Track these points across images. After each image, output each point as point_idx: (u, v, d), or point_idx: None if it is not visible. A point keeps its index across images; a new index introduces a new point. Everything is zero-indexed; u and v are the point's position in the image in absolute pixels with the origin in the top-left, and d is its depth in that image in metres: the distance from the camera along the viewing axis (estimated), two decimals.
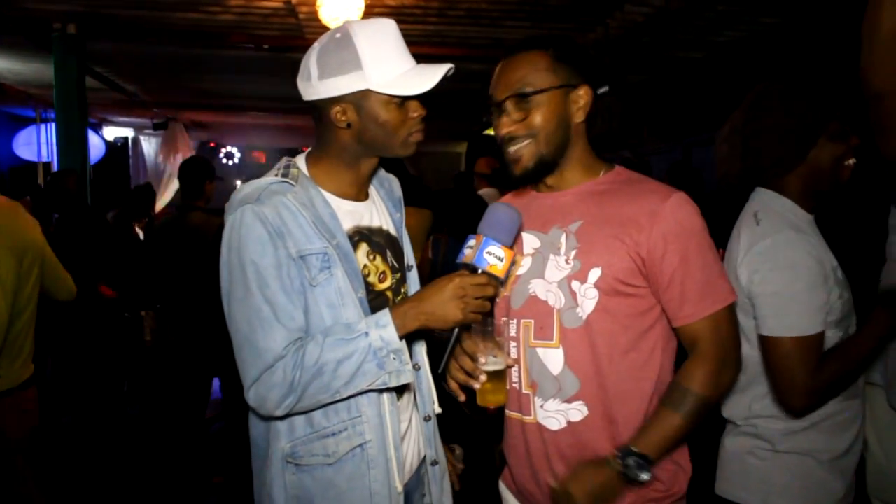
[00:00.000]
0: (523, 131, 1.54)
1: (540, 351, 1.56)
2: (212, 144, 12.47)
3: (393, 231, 1.72)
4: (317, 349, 1.44)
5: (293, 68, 1.58)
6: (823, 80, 1.80)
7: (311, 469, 1.54)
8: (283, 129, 11.26)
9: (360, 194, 1.66)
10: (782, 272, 1.69)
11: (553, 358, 1.54)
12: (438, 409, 1.75)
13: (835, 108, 1.76)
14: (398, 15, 4.76)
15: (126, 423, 5.07)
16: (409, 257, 1.76)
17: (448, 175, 10.80)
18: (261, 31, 5.46)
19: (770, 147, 1.79)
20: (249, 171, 12.85)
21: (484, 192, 4.76)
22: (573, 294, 1.51)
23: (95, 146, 8.21)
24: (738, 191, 1.92)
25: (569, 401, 1.53)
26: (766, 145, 1.79)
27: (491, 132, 1.64)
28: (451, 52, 5.58)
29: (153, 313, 5.53)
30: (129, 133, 10.26)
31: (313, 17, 4.68)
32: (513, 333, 1.61)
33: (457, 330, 1.51)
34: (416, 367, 1.69)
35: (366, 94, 1.50)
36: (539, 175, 1.59)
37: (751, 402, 1.80)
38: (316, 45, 1.55)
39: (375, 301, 1.58)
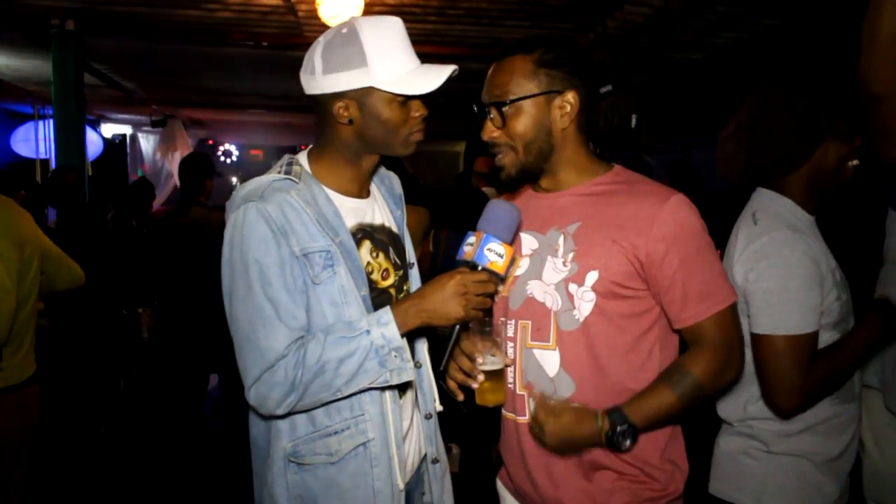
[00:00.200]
0: (503, 139, 1.55)
1: (536, 352, 1.56)
2: (210, 142, 12.46)
3: (395, 228, 1.72)
4: (318, 347, 1.44)
5: (292, 66, 1.58)
6: (830, 80, 1.80)
7: (314, 468, 1.54)
8: (282, 127, 11.26)
9: (363, 191, 1.66)
10: (777, 270, 1.68)
11: (549, 360, 1.54)
12: (440, 407, 1.75)
13: (842, 107, 1.76)
14: (398, 13, 4.72)
15: (123, 421, 5.07)
16: (411, 254, 1.76)
17: (446, 174, 10.83)
18: (259, 29, 5.45)
19: (775, 145, 1.78)
20: (247, 168, 12.85)
21: (483, 191, 4.76)
22: (570, 296, 1.51)
23: (93, 143, 8.20)
24: (739, 190, 1.91)
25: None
26: (771, 143, 1.78)
27: None
28: (451, 51, 5.58)
29: (150, 310, 5.53)
30: (127, 130, 10.25)
31: (312, 15, 4.68)
32: (510, 334, 1.61)
33: (457, 327, 1.51)
34: (418, 365, 1.69)
35: (369, 91, 1.50)
36: (523, 181, 1.60)
37: (746, 402, 1.80)
38: (321, 39, 1.54)
39: (378, 299, 1.58)
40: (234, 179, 13.39)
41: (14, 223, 2.58)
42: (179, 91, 8.23)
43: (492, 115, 1.54)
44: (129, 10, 5.08)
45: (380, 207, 1.70)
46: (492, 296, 1.51)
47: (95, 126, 9.42)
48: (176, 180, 9.77)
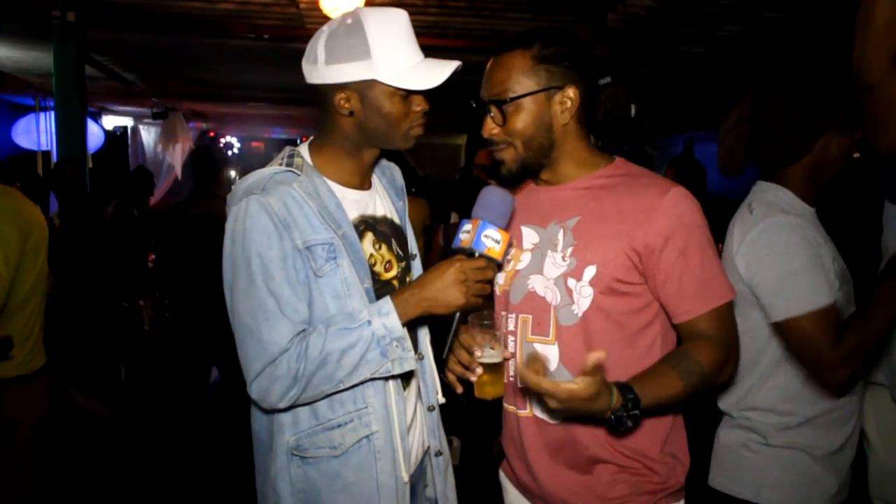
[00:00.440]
0: (503, 136, 1.53)
1: (538, 346, 1.55)
2: (211, 134, 12.44)
3: (397, 219, 1.72)
4: (320, 340, 1.44)
5: (293, 58, 1.58)
6: (832, 72, 1.80)
7: (317, 462, 1.53)
8: (283, 119, 11.25)
9: (364, 183, 1.66)
10: (779, 255, 1.69)
11: (549, 354, 1.54)
12: (442, 399, 1.75)
13: (843, 99, 1.75)
14: (399, 5, 4.72)
15: (124, 413, 5.07)
16: (413, 246, 1.76)
17: (447, 166, 10.81)
18: (261, 21, 5.44)
19: (777, 136, 1.78)
20: (248, 161, 12.83)
21: (488, 182, 4.76)
22: (569, 291, 1.51)
23: (94, 135, 8.19)
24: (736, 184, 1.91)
25: None
26: (773, 134, 1.79)
27: None
28: (452, 44, 5.57)
29: (151, 302, 5.53)
30: (128, 122, 10.24)
31: (314, 6, 4.67)
32: (511, 328, 1.60)
33: (458, 315, 1.51)
34: (420, 357, 1.69)
35: (371, 83, 1.49)
36: (523, 177, 1.59)
37: (745, 392, 1.81)
38: (325, 28, 1.53)
39: (382, 291, 1.57)
40: (233, 173, 13.41)
41: (19, 210, 2.58)
42: (181, 83, 8.22)
43: (491, 113, 1.53)
44: (130, 1, 5.07)
45: (381, 199, 1.70)
46: (490, 282, 1.51)
47: (97, 118, 9.41)
48: (178, 172, 9.78)
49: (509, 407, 1.64)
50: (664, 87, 6.92)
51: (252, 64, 6.88)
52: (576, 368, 1.51)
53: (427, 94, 1.53)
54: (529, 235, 1.61)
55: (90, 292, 4.34)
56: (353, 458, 1.54)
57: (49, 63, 5.43)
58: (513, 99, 1.50)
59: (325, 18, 4.25)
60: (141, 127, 10.07)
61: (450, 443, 1.91)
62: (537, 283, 1.56)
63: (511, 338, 1.60)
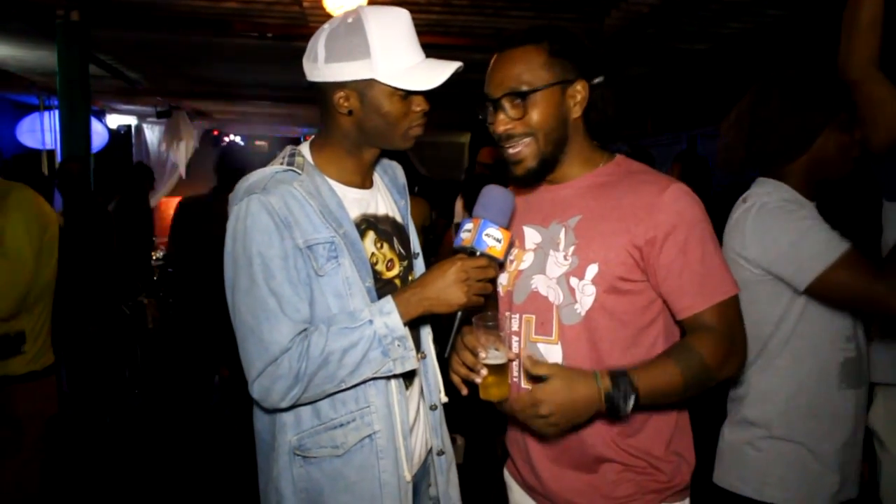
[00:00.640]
0: (521, 129, 1.51)
1: (541, 346, 1.55)
2: (215, 133, 12.44)
3: (399, 218, 1.72)
4: (321, 339, 1.44)
5: (297, 57, 1.57)
6: (833, 70, 1.82)
7: (320, 461, 1.53)
8: (287, 118, 11.25)
9: (365, 181, 1.65)
10: (786, 224, 1.70)
11: (552, 354, 1.54)
12: (445, 399, 1.75)
13: (844, 97, 1.77)
14: (402, 4, 4.71)
15: (128, 411, 5.09)
16: (415, 244, 1.76)
17: (450, 165, 10.81)
18: (264, 20, 5.44)
19: (775, 134, 1.79)
20: (252, 159, 12.84)
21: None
22: (571, 290, 1.51)
23: (98, 134, 8.20)
24: (739, 179, 1.92)
25: None
26: (771, 132, 1.79)
27: None
28: (454, 42, 5.56)
29: (155, 301, 5.55)
30: (132, 121, 10.25)
31: (317, 5, 4.66)
32: (515, 328, 1.60)
33: (459, 314, 1.51)
34: (423, 356, 1.69)
35: (371, 83, 1.49)
36: (542, 174, 1.57)
37: (752, 376, 1.82)
38: (326, 26, 1.53)
39: (384, 289, 1.57)
40: None
41: (37, 204, 2.61)
42: (184, 82, 8.22)
43: (505, 108, 1.51)
44: (133, 0, 5.07)
45: (383, 197, 1.70)
46: (492, 281, 1.51)
47: (100, 117, 9.41)
48: (181, 171, 9.79)
49: None
50: (668, 84, 6.91)
51: (256, 63, 6.88)
52: (578, 366, 1.51)
53: (429, 93, 1.52)
54: (531, 235, 1.61)
55: (94, 290, 4.35)
56: (355, 458, 1.53)
57: (53, 62, 5.44)
58: (533, 91, 1.49)
59: (329, 17, 4.25)
60: (145, 126, 10.08)
61: (454, 441, 1.91)
62: (540, 283, 1.56)
63: (515, 338, 1.60)
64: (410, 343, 1.50)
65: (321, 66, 1.50)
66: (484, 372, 1.50)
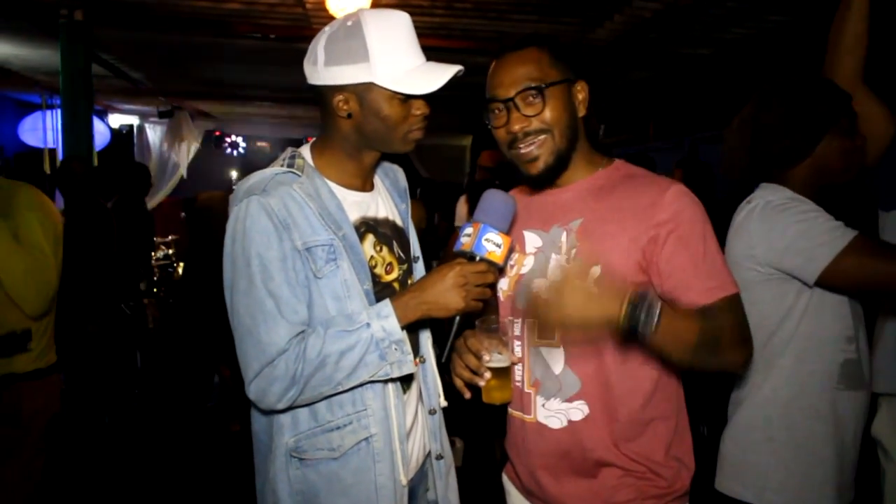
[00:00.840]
0: (538, 125, 1.51)
1: (543, 350, 1.55)
2: (217, 134, 12.46)
3: (399, 222, 1.72)
4: (319, 341, 1.44)
5: (299, 58, 1.58)
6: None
7: (316, 463, 1.53)
8: (289, 119, 11.26)
9: (366, 185, 1.66)
10: (790, 215, 1.72)
11: (555, 357, 1.54)
12: (444, 403, 1.75)
13: (845, 104, 1.78)
14: (405, 6, 4.72)
15: (127, 411, 5.09)
16: (416, 248, 1.76)
17: (452, 168, 10.81)
18: (267, 21, 5.44)
19: (779, 138, 1.80)
20: (254, 160, 12.85)
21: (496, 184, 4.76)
22: None
23: (101, 133, 8.20)
24: (743, 185, 1.93)
25: (569, 400, 1.53)
26: (774, 137, 1.81)
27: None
28: (457, 45, 5.57)
29: (155, 301, 5.55)
30: (134, 121, 10.26)
31: (320, 6, 4.67)
32: (517, 332, 1.60)
33: (458, 319, 1.51)
34: (422, 360, 1.69)
35: (369, 86, 1.49)
36: (558, 171, 1.56)
37: (753, 378, 1.83)
38: (326, 29, 1.53)
39: (382, 293, 1.57)
40: (234, 174, 13.44)
41: (45, 203, 2.63)
42: (187, 82, 8.23)
43: (519, 106, 1.51)
44: (137, 0, 5.08)
45: (384, 201, 1.70)
46: (492, 286, 1.51)
47: (103, 116, 9.43)
48: (183, 172, 9.80)
49: (515, 412, 1.64)
50: (670, 89, 6.92)
51: (258, 63, 6.89)
52: (581, 370, 1.52)
53: (430, 96, 1.52)
54: (532, 240, 1.61)
55: (94, 290, 4.35)
56: (351, 461, 1.54)
57: (56, 61, 5.45)
58: (548, 86, 1.50)
59: (331, 18, 4.25)
60: (147, 125, 10.09)
61: (452, 444, 1.91)
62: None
63: (518, 342, 1.60)
64: (408, 347, 1.50)
65: (321, 69, 1.50)
66: (488, 375, 1.50)
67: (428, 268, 1.73)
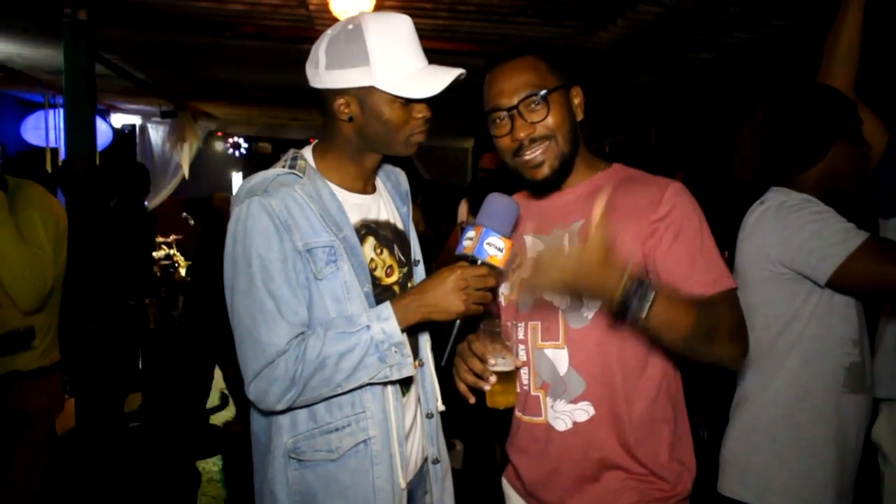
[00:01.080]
0: (542, 131, 1.52)
1: (548, 352, 1.56)
2: (219, 134, 12.47)
3: (400, 225, 1.72)
4: (318, 343, 1.44)
5: (303, 60, 1.58)
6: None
7: (314, 465, 1.53)
8: (291, 120, 11.26)
9: (367, 187, 1.66)
10: (805, 215, 1.74)
11: (559, 358, 1.55)
12: (442, 407, 1.75)
13: (853, 111, 1.82)
14: (409, 9, 4.74)
15: (127, 412, 5.09)
16: (416, 251, 1.76)
17: (454, 170, 10.81)
18: (270, 22, 5.45)
19: (790, 144, 1.83)
20: (256, 161, 12.86)
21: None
22: (577, 295, 1.51)
23: (103, 133, 8.21)
24: (751, 190, 1.96)
25: (574, 401, 1.53)
26: (786, 142, 1.83)
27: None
28: (461, 48, 5.57)
29: (156, 301, 5.55)
30: (136, 121, 10.27)
31: (324, 8, 4.68)
32: (521, 336, 1.61)
33: (458, 322, 1.51)
34: (420, 364, 1.69)
35: (370, 90, 1.49)
36: (563, 175, 1.57)
37: (759, 379, 1.84)
38: (328, 32, 1.53)
39: (382, 295, 1.58)
40: (234, 175, 13.46)
41: (48, 200, 2.65)
42: (190, 83, 8.24)
43: (523, 113, 1.51)
44: (141, 0, 5.09)
45: (385, 203, 1.70)
46: (493, 290, 1.51)
47: (105, 116, 9.44)
48: (185, 172, 9.80)
49: (521, 415, 1.64)
50: (673, 92, 6.92)
51: (261, 64, 6.90)
52: (586, 371, 1.52)
53: (432, 99, 1.52)
54: (533, 244, 1.61)
55: (96, 290, 4.35)
56: (349, 463, 1.54)
57: (59, 60, 5.45)
58: (550, 92, 1.51)
59: (335, 20, 4.26)
60: (149, 125, 10.09)
61: (452, 446, 1.91)
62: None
63: (521, 346, 1.61)
64: (408, 350, 1.50)
65: (322, 72, 1.50)
66: (493, 379, 1.50)
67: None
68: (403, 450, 1.59)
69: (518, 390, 1.60)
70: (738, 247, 1.89)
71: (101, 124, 7.70)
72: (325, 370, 1.44)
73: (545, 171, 1.54)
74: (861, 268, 1.66)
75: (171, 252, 7.72)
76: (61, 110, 6.24)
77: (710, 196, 4.32)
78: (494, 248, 1.44)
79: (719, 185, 4.55)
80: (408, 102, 1.51)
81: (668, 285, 1.42)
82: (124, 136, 10.10)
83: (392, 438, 1.56)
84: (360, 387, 1.51)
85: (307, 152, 1.62)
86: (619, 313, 1.34)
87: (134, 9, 5.26)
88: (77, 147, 5.30)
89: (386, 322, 1.47)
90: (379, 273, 1.61)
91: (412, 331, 1.54)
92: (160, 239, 7.51)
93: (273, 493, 1.56)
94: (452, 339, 1.53)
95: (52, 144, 7.84)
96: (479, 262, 1.45)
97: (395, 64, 1.48)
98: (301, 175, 1.53)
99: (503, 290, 1.66)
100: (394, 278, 1.64)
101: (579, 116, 1.58)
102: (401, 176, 1.83)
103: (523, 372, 1.60)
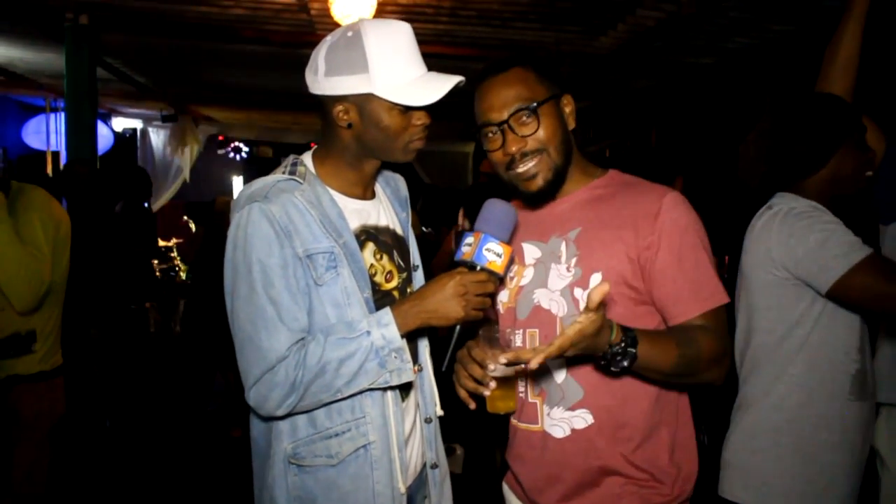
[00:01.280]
0: (535, 145, 1.52)
1: (547, 361, 1.55)
2: (220, 138, 12.48)
3: (399, 230, 1.72)
4: (319, 348, 1.44)
5: (304, 64, 1.58)
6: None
7: (314, 470, 1.53)
8: (292, 124, 11.27)
9: (367, 193, 1.66)
10: (811, 224, 1.75)
11: (557, 366, 1.55)
12: (440, 412, 1.75)
13: (857, 119, 1.85)
14: (410, 13, 4.75)
15: (127, 415, 5.08)
16: (416, 257, 1.76)
17: (455, 174, 10.83)
18: (272, 26, 5.46)
19: (796, 150, 1.85)
20: (257, 166, 12.87)
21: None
22: (575, 301, 1.52)
23: (104, 136, 8.22)
24: (756, 194, 1.98)
25: (572, 408, 1.53)
26: (792, 148, 1.86)
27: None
28: (461, 52, 5.57)
29: (157, 304, 5.55)
30: (137, 124, 10.27)
31: (325, 13, 4.68)
32: (519, 343, 1.60)
33: (457, 328, 1.51)
34: (419, 369, 1.69)
35: (369, 97, 1.49)
36: (556, 186, 1.57)
37: (762, 383, 1.86)
38: (328, 38, 1.54)
39: (382, 301, 1.58)
40: (234, 179, 13.47)
41: (50, 203, 2.65)
42: (191, 87, 8.24)
43: (515, 126, 1.51)
44: (142, 5, 5.09)
45: (385, 209, 1.70)
46: (492, 296, 1.51)
47: (106, 120, 9.44)
48: (186, 176, 9.80)
49: (521, 423, 1.64)
50: (673, 97, 6.93)
51: (263, 69, 6.91)
52: (583, 379, 1.52)
53: (433, 105, 1.52)
54: (531, 251, 1.62)
55: (97, 294, 4.35)
56: (349, 468, 1.54)
57: (61, 64, 5.46)
58: (541, 103, 1.51)
59: (336, 25, 4.27)
60: (150, 129, 10.09)
61: (453, 451, 1.91)
62: (542, 297, 1.56)
63: None
64: (407, 355, 1.50)
65: (321, 79, 1.51)
66: (493, 385, 1.49)
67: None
68: (403, 455, 1.59)
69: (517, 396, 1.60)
70: (744, 249, 1.91)
71: (102, 128, 7.71)
72: (326, 376, 1.45)
73: (539, 182, 1.55)
74: (860, 282, 1.68)
75: (172, 255, 7.72)
76: (62, 114, 6.25)
77: (710, 201, 4.34)
78: (493, 254, 1.44)
79: (719, 189, 4.57)
80: (407, 109, 1.51)
81: (658, 308, 1.50)
82: (125, 140, 10.11)
83: (392, 443, 1.56)
84: (360, 392, 1.52)
85: (307, 158, 1.63)
86: (604, 367, 1.38)
87: (135, 13, 5.27)
88: (78, 151, 5.31)
89: (386, 328, 1.47)
90: (379, 278, 1.61)
91: (411, 336, 1.54)
92: (162, 243, 7.50)
93: (273, 498, 1.56)
94: (452, 344, 1.53)
95: (54, 148, 7.85)
96: (479, 267, 1.45)
97: (393, 71, 1.48)
98: (301, 181, 1.54)
99: (501, 297, 1.66)
100: (393, 284, 1.65)
101: (571, 125, 1.58)
102: (400, 182, 1.83)
103: (520, 379, 1.60)
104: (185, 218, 7.08)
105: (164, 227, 7.62)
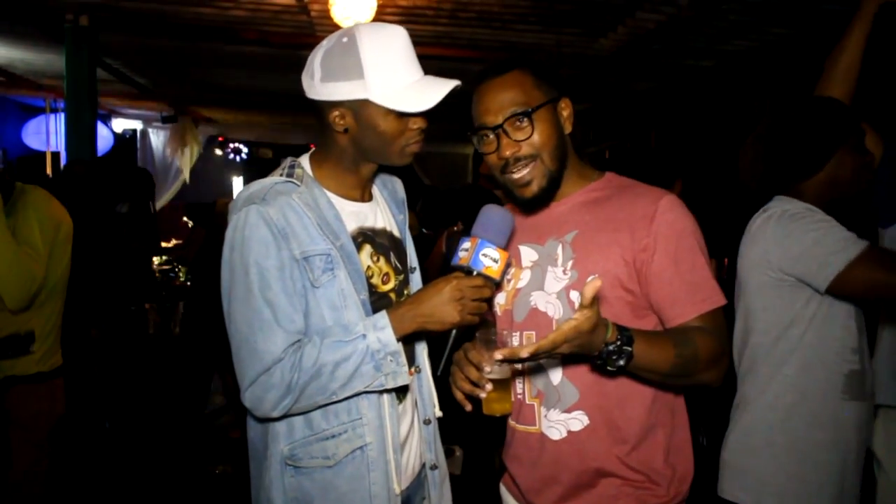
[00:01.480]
0: (529, 150, 1.52)
1: (542, 361, 1.55)
2: (220, 139, 12.48)
3: (396, 232, 1.72)
4: (314, 351, 1.45)
5: (303, 66, 1.58)
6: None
7: (311, 471, 1.54)
8: (292, 126, 11.27)
9: (364, 195, 1.66)
10: (807, 223, 1.77)
11: (553, 368, 1.55)
12: (439, 413, 1.75)
13: (855, 122, 1.86)
14: (410, 15, 4.75)
15: (127, 416, 5.08)
16: (413, 259, 1.76)
17: (455, 175, 10.83)
18: (271, 28, 5.46)
19: (794, 153, 1.86)
20: (256, 167, 12.86)
21: (494, 193, 4.75)
22: (571, 304, 1.52)
23: (104, 137, 8.22)
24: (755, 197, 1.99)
25: (568, 410, 1.54)
26: (790, 151, 1.86)
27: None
28: (461, 54, 5.58)
29: (156, 306, 5.54)
30: (137, 125, 10.28)
31: (325, 15, 4.68)
32: (515, 345, 1.60)
33: (454, 332, 1.51)
34: (417, 371, 1.69)
35: (365, 103, 1.49)
36: (551, 192, 1.57)
37: (758, 383, 1.86)
38: (324, 43, 1.54)
39: (378, 303, 1.58)
40: (234, 180, 13.46)
41: (50, 204, 2.66)
42: (191, 88, 8.25)
43: (510, 131, 1.51)
44: (142, 6, 5.09)
45: (382, 211, 1.70)
46: (488, 300, 1.52)
47: (106, 121, 9.44)
48: (185, 177, 9.80)
49: (518, 425, 1.64)
50: (672, 99, 6.94)
51: (262, 70, 6.91)
52: (579, 380, 1.53)
53: (434, 106, 1.51)
54: (528, 254, 1.62)
55: (97, 294, 4.35)
56: (346, 469, 1.54)
57: (60, 65, 5.46)
58: (536, 108, 1.51)
59: (336, 27, 4.27)
60: (150, 130, 10.10)
61: (452, 452, 1.91)
62: (539, 300, 1.57)
63: None
64: (403, 359, 1.50)
65: (317, 84, 1.51)
66: (489, 387, 1.49)
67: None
68: (399, 456, 1.59)
69: (513, 399, 1.60)
70: (740, 252, 1.92)
71: (102, 129, 7.71)
72: (321, 378, 1.45)
73: (534, 189, 1.55)
74: (860, 275, 1.69)
75: (172, 257, 7.71)
76: (62, 115, 6.25)
77: (710, 202, 4.35)
78: (490, 259, 1.44)
79: (718, 191, 4.57)
80: (403, 114, 1.51)
81: (655, 310, 1.50)
82: (125, 141, 10.11)
83: (388, 445, 1.57)
84: (356, 394, 1.52)
85: (304, 160, 1.63)
86: (600, 367, 1.38)
87: (135, 14, 5.28)
88: (78, 152, 5.31)
89: (382, 331, 1.47)
90: (375, 280, 1.61)
91: (408, 339, 1.55)
92: (163, 244, 7.49)
93: (270, 499, 1.56)
94: (449, 348, 1.53)
95: (53, 149, 7.86)
96: (475, 272, 1.45)
97: (389, 77, 1.48)
98: (298, 183, 1.54)
99: (498, 299, 1.66)
100: (390, 286, 1.65)
101: (568, 129, 1.58)
102: (397, 184, 1.83)
103: (518, 381, 1.60)
104: (185, 219, 7.07)
105: (163, 228, 7.61)
